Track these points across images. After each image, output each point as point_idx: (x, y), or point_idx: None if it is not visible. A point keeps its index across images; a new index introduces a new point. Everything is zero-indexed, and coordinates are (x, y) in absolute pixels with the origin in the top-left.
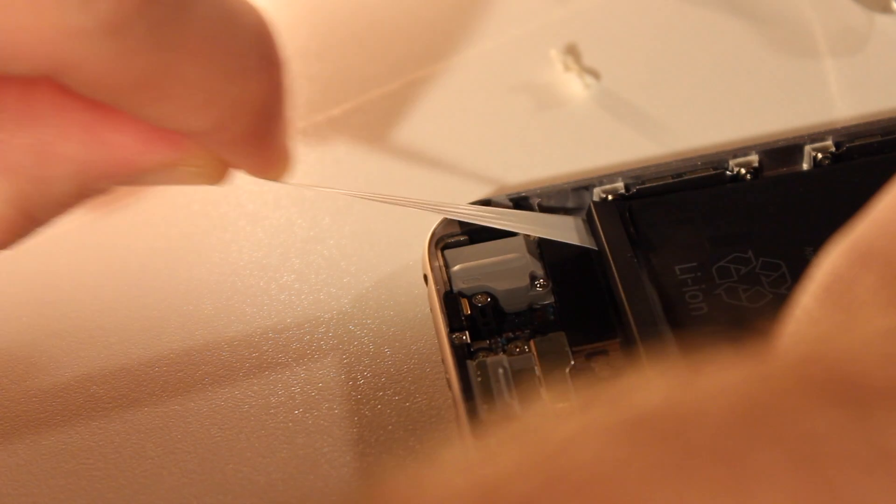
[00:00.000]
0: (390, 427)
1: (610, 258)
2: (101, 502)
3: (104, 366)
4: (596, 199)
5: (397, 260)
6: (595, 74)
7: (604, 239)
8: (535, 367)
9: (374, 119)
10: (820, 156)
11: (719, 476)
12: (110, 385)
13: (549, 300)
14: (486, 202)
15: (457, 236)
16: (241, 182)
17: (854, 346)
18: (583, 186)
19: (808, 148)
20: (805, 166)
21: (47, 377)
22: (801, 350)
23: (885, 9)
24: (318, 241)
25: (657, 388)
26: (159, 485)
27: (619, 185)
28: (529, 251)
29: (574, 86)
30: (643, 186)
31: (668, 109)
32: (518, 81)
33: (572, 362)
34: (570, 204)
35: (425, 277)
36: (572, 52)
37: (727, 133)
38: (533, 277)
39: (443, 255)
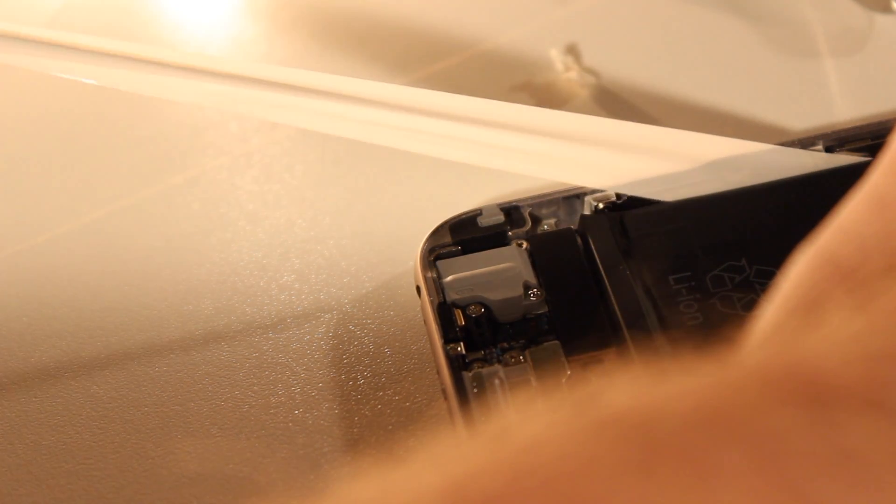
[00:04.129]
0: (390, 427)
1: (602, 271)
2: (101, 502)
3: (104, 366)
4: (587, 208)
5: (398, 260)
6: (595, 74)
7: (595, 252)
8: (531, 378)
9: None
10: None
11: (682, 473)
12: (110, 385)
13: (543, 309)
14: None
15: (449, 247)
16: (241, 182)
17: (817, 349)
18: (574, 195)
19: None
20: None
21: (47, 377)
22: (765, 353)
23: (886, 9)
24: (318, 241)
25: (622, 391)
26: (159, 485)
27: (611, 192)
28: (522, 261)
29: (574, 86)
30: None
31: (668, 109)
32: (518, 81)
33: (568, 372)
34: (561, 213)
35: (418, 289)
36: (572, 52)
37: (728, 133)
38: (526, 287)
39: (435, 266)
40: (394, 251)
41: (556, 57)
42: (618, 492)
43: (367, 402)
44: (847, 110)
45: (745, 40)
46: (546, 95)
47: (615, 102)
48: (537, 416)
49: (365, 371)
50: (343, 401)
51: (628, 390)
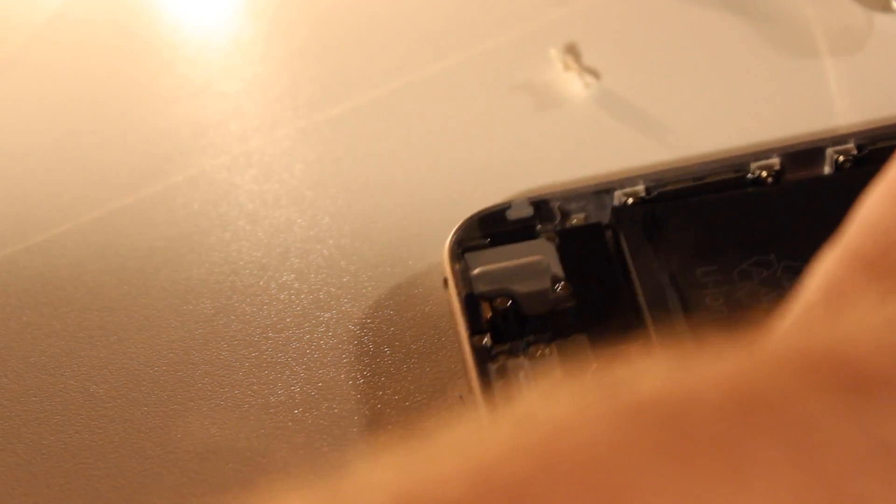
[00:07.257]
0: (390, 427)
1: (630, 262)
2: (100, 502)
3: (104, 366)
4: (617, 202)
5: (397, 259)
6: (595, 74)
7: (625, 243)
8: (557, 371)
9: (374, 119)
10: (842, 158)
11: (716, 463)
12: (110, 385)
13: (571, 303)
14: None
15: (478, 239)
16: (241, 182)
17: (848, 335)
18: (603, 190)
19: (829, 151)
20: (827, 169)
21: (47, 377)
22: (795, 339)
23: (885, 9)
24: (317, 240)
25: (654, 376)
26: (159, 485)
27: (640, 188)
28: (551, 254)
29: (574, 85)
30: (664, 189)
31: (668, 109)
32: (518, 81)
33: (595, 366)
34: (590, 207)
35: (445, 281)
36: (572, 51)
37: (727, 132)
38: (554, 280)
39: (463, 259)
40: (393, 250)
41: (556, 56)
42: (651, 479)
43: (367, 402)
44: (847, 110)
45: (745, 40)
46: (546, 95)
47: (615, 102)
48: (565, 400)
49: (365, 371)
50: (343, 400)
51: (659, 376)
